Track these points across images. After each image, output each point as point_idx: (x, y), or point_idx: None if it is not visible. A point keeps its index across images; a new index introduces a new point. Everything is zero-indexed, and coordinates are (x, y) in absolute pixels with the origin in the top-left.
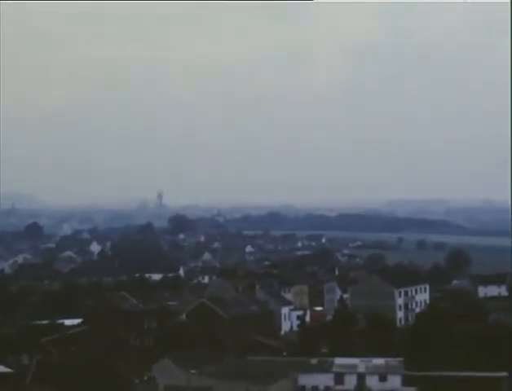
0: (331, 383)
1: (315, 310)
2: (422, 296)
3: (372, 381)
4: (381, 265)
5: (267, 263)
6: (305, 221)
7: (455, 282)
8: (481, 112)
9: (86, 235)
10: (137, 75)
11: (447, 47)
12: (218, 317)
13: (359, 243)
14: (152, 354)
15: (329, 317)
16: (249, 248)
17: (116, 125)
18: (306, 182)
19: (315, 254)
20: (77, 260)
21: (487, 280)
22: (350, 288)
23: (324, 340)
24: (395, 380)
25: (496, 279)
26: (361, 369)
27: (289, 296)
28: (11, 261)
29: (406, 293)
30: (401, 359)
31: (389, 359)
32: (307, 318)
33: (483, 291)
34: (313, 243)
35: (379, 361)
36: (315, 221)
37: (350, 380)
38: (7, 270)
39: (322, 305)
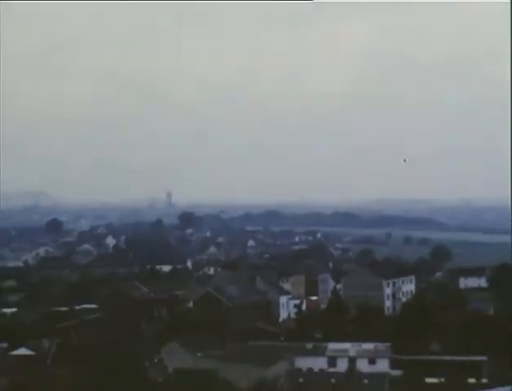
0: (325, 365)
1: (311, 300)
2: (408, 286)
3: (362, 364)
4: (371, 259)
5: (266, 256)
6: (302, 219)
7: (438, 274)
8: (463, 118)
9: (102, 230)
10: (148, 77)
11: None
12: (222, 305)
13: (350, 238)
14: (161, 339)
15: (323, 306)
16: (250, 243)
17: (129, 129)
18: (303, 183)
19: (311, 248)
20: (94, 253)
21: (468, 272)
22: (342, 280)
23: (319, 326)
24: (383, 364)
25: (476, 272)
26: (352, 353)
27: (286, 286)
28: (33, 253)
29: (393, 284)
30: (389, 344)
31: (377, 344)
32: (303, 307)
33: (464, 282)
34: (309, 238)
35: (369, 346)
36: (311, 218)
37: (342, 363)
38: (30, 262)
39: (317, 295)
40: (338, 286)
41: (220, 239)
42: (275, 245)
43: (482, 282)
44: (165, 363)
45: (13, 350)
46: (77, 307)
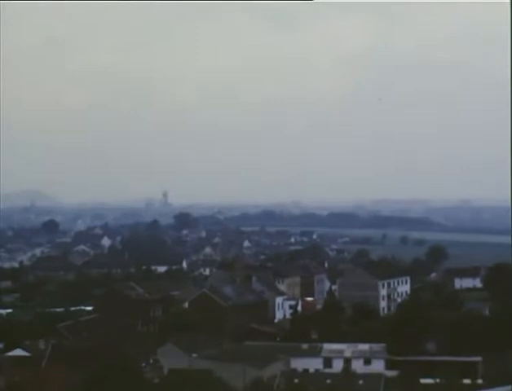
0: (320, 366)
1: (307, 300)
2: (404, 287)
3: (357, 365)
4: (367, 259)
5: (262, 257)
6: (298, 219)
7: (433, 274)
8: (460, 119)
9: (98, 231)
10: (144, 80)
11: None
12: (217, 306)
13: (346, 239)
14: (157, 339)
15: (319, 306)
16: (246, 243)
17: (126, 129)
18: (300, 183)
19: (307, 249)
20: (90, 253)
21: (463, 273)
22: (338, 280)
23: (314, 327)
24: (378, 364)
25: (471, 272)
26: (347, 354)
27: (282, 287)
28: (29, 254)
29: (389, 285)
30: (384, 345)
31: (373, 345)
32: (299, 308)
33: (459, 283)
34: (305, 239)
35: (364, 346)
36: (307, 219)
37: (338, 364)
38: (26, 262)
39: (313, 296)
40: (334, 286)
41: (216, 240)
42: (271, 246)
43: (477, 282)
44: (161, 364)
45: (9, 351)
46: (73, 308)
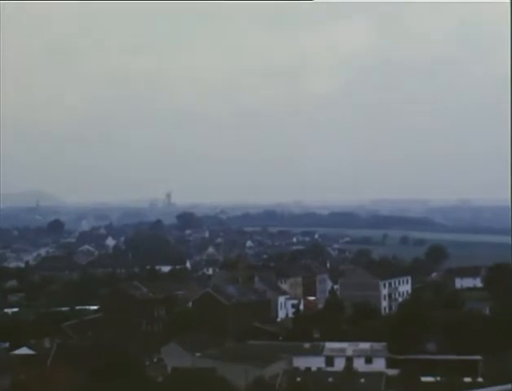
0: (322, 365)
1: (309, 299)
2: (405, 287)
3: (359, 363)
4: (368, 259)
5: (265, 256)
6: (299, 219)
7: (434, 274)
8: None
9: (102, 231)
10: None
11: None
12: (221, 305)
13: (348, 239)
14: (160, 338)
15: (321, 306)
16: (249, 243)
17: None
18: (300, 184)
19: (309, 249)
20: (94, 253)
21: (464, 273)
22: (339, 280)
23: (316, 326)
24: (379, 363)
25: (472, 272)
26: (349, 352)
27: (285, 286)
28: (35, 254)
29: (390, 284)
30: (385, 344)
31: (374, 344)
32: (301, 307)
33: (460, 282)
34: (307, 239)
35: (365, 345)
36: (308, 218)
37: (340, 363)
38: (32, 262)
39: (315, 295)
40: (336, 286)
41: (219, 240)
42: (273, 246)
43: (477, 282)
44: (165, 363)
45: (14, 350)
46: (78, 307)
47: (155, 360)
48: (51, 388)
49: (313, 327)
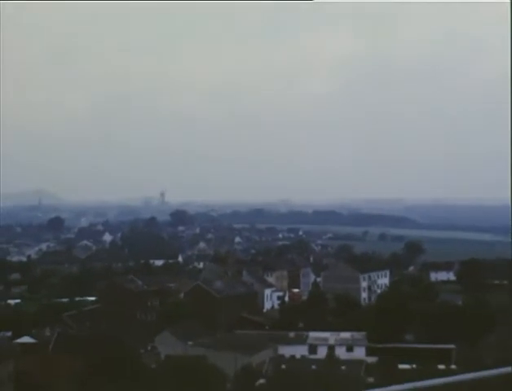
0: (306, 353)
1: (293, 292)
2: (383, 280)
3: (340, 352)
4: (349, 254)
5: (252, 252)
6: (285, 217)
7: (411, 268)
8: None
9: (99, 227)
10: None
11: None
12: (211, 297)
13: (330, 235)
14: (154, 328)
15: (305, 297)
16: (237, 239)
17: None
18: (286, 184)
19: (294, 244)
20: (92, 248)
21: (438, 267)
22: (322, 273)
23: (301, 316)
24: (359, 351)
25: (445, 266)
26: (331, 341)
27: (271, 279)
28: (36, 249)
29: (369, 278)
30: (365, 333)
31: (354, 333)
32: (286, 298)
33: (434, 276)
34: (292, 235)
35: (346, 334)
36: (293, 216)
37: (322, 351)
38: (34, 256)
39: (299, 287)
40: (318, 279)
41: (209, 236)
42: (261, 241)
43: (450, 275)
44: (158, 351)
45: (17, 338)
46: (77, 299)
47: (149, 348)
48: (52, 375)
49: (297, 317)
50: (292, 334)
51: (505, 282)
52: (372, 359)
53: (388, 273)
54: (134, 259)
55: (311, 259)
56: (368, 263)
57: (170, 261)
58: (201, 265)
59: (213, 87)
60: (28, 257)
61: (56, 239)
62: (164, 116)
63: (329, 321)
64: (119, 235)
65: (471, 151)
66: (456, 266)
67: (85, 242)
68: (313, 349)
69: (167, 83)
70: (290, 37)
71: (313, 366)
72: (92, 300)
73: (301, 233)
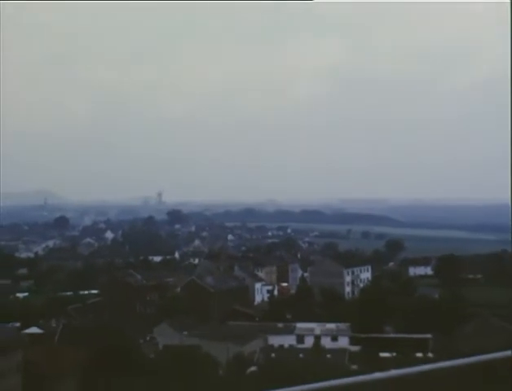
0: (294, 342)
1: (282, 286)
2: (366, 274)
3: (326, 341)
4: (334, 251)
5: (244, 248)
6: (274, 216)
7: (391, 264)
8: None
9: (102, 226)
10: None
11: None
12: (205, 291)
13: (316, 233)
14: (153, 320)
15: (293, 291)
16: (230, 237)
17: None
18: (275, 185)
19: (282, 242)
20: (95, 245)
21: (416, 262)
22: (309, 268)
23: (289, 309)
24: (343, 341)
25: (423, 261)
26: (317, 332)
27: (261, 274)
28: (43, 245)
29: (353, 272)
30: (349, 324)
31: (339, 324)
32: (276, 292)
33: (413, 271)
34: (281, 233)
35: (331, 325)
36: (282, 215)
37: (309, 341)
38: (40, 253)
39: (287, 282)
40: (305, 274)
41: (204, 234)
42: (251, 239)
43: (428, 270)
44: (157, 341)
45: (25, 329)
46: (81, 292)
47: (148, 339)
48: (58, 363)
49: (286, 309)
50: (281, 325)
51: (479, 276)
52: (355, 348)
53: (370, 268)
54: (133, 255)
55: (299, 255)
56: (351, 259)
57: (168, 257)
58: (196, 261)
59: (211, 89)
60: (36, 253)
61: (61, 236)
62: (164, 121)
63: (316, 313)
64: (120, 232)
65: (453, 154)
66: (433, 262)
67: (88, 239)
68: (300, 338)
69: (167, 83)
70: (290, 37)
71: (300, 355)
72: (95, 294)
73: (289, 231)
